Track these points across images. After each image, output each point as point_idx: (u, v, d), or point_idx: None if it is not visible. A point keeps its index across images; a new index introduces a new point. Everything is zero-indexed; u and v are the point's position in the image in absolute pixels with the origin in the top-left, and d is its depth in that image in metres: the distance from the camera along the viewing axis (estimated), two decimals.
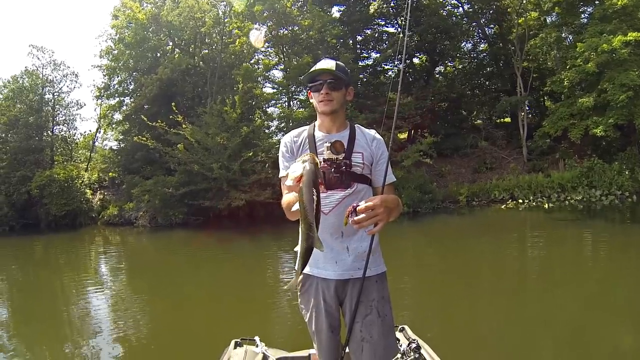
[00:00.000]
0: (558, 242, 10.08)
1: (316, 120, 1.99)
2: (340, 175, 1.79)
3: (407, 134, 20.06)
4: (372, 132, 1.97)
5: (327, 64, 1.89)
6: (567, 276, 7.15)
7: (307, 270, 1.89)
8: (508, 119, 22.19)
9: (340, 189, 1.81)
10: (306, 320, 1.98)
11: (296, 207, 1.49)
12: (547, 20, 19.19)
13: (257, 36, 18.41)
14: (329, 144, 1.79)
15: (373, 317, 1.83)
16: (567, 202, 15.05)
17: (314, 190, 1.45)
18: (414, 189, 15.53)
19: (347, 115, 2.02)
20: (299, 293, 1.99)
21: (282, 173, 1.91)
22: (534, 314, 5.27)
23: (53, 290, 8.82)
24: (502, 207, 15.28)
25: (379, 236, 1.89)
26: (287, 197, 1.71)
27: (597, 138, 15.66)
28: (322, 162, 1.77)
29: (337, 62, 1.91)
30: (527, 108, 20.12)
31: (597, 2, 16.88)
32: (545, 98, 21.60)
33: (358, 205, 1.54)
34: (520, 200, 15.50)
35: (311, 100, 1.95)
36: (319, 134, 1.92)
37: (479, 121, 22.64)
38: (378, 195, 1.66)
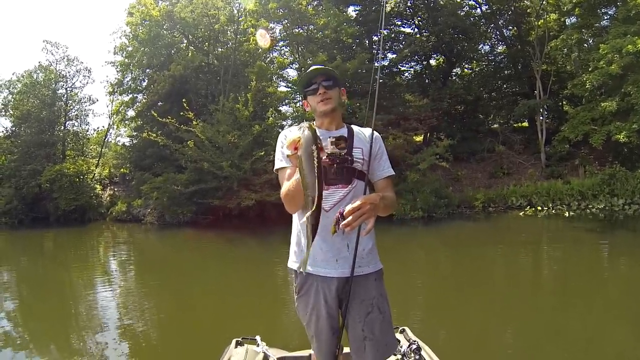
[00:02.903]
0: (577, 252, 9.67)
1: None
2: (342, 171, 1.82)
3: (422, 137, 19.66)
4: (366, 129, 1.99)
5: (318, 66, 1.98)
6: (583, 288, 6.80)
7: (305, 269, 1.83)
8: (525, 124, 21.67)
9: (341, 185, 1.83)
10: (305, 323, 1.97)
11: (297, 177, 1.44)
12: (567, 22, 18.72)
13: (264, 35, 18.22)
14: (333, 139, 1.78)
15: (374, 315, 1.84)
16: (588, 210, 14.51)
17: (315, 156, 1.40)
18: (429, 193, 15.14)
19: (344, 116, 2.03)
20: (296, 296, 1.98)
21: (277, 165, 1.93)
22: (546, 325, 5.02)
23: (61, 285, 8.93)
24: (520, 214, 14.80)
25: (375, 235, 1.91)
26: (286, 184, 1.73)
27: (619, 144, 15.03)
28: (325, 158, 1.72)
29: (326, 67, 1.98)
30: (546, 112, 19.61)
31: (619, 3, 16.33)
32: (564, 102, 21.07)
33: (344, 211, 1.56)
34: (539, 208, 15.01)
35: (307, 109, 2.00)
36: (319, 131, 1.80)
37: (495, 125, 22.08)
38: (360, 196, 1.66)
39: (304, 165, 1.42)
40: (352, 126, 2.00)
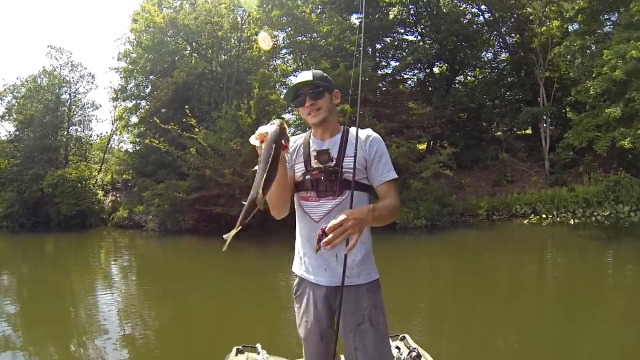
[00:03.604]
0: (582, 260, 9.58)
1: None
2: (331, 183, 1.80)
3: (426, 145, 19.58)
4: (366, 131, 1.91)
5: (304, 76, 1.90)
6: (589, 297, 6.70)
7: (300, 274, 1.96)
8: (529, 131, 21.62)
9: (330, 197, 1.81)
10: (297, 325, 1.98)
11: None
12: (570, 29, 18.75)
13: (265, 38, 18.22)
14: (315, 152, 1.85)
15: (366, 326, 1.81)
16: (593, 217, 14.37)
17: (274, 151, 1.44)
18: (432, 202, 15.01)
19: (340, 120, 2.00)
20: (294, 296, 2.01)
21: None
22: (550, 335, 4.94)
23: (61, 289, 8.93)
24: (525, 222, 14.67)
25: (372, 244, 1.89)
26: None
27: (624, 150, 14.93)
28: (313, 171, 1.83)
29: (315, 71, 1.91)
30: (549, 119, 19.54)
31: (621, 9, 16.33)
32: (568, 109, 21.02)
33: (326, 227, 1.51)
34: (544, 215, 14.88)
35: (303, 117, 1.96)
36: (312, 142, 1.93)
37: (499, 133, 22.02)
38: (345, 210, 1.57)
39: (260, 159, 1.46)
40: (352, 129, 1.89)
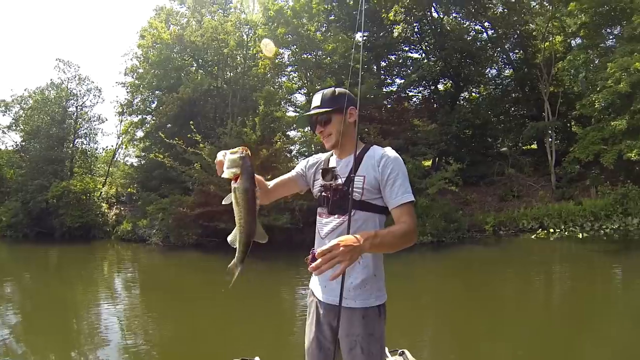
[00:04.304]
0: (591, 275, 9.47)
1: None
2: (339, 202, 1.81)
3: (431, 161, 19.53)
4: (383, 150, 1.87)
5: (315, 100, 1.93)
6: (597, 314, 6.59)
7: (311, 287, 2.03)
8: (535, 146, 21.56)
9: (338, 214, 1.83)
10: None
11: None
12: (573, 44, 18.93)
13: (268, 44, 18.37)
14: (321, 171, 1.91)
15: (356, 352, 1.79)
16: (601, 231, 14.18)
17: (249, 201, 1.54)
18: (438, 218, 14.86)
19: (362, 136, 1.85)
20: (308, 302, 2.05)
21: (295, 169, 2.10)
22: (557, 353, 4.88)
23: (63, 300, 8.93)
24: (532, 237, 14.49)
25: (378, 268, 1.85)
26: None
27: (630, 162, 14.81)
28: (326, 189, 1.87)
29: (324, 92, 1.93)
30: (555, 134, 19.50)
31: (624, 22, 16.41)
32: (573, 123, 21.00)
33: (316, 251, 1.49)
34: (551, 230, 14.67)
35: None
36: (331, 160, 1.99)
37: (504, 148, 21.99)
38: (339, 237, 1.54)
39: (238, 205, 1.53)
40: (372, 148, 1.89)
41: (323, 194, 1.89)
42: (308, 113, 1.95)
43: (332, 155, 2.00)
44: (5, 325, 6.76)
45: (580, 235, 13.99)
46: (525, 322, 6.39)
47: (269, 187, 2.05)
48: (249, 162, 1.54)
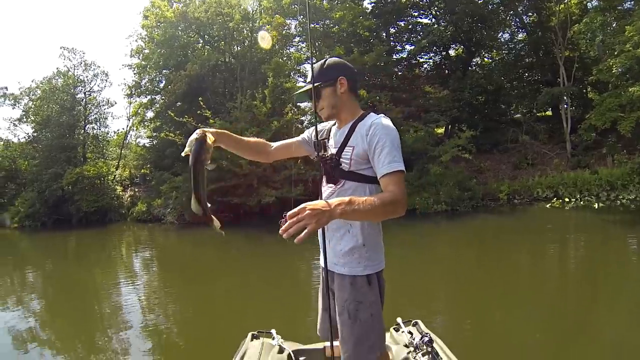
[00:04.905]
0: (607, 246, 9.18)
1: None
2: (331, 171, 1.86)
3: (444, 129, 19.24)
4: (373, 119, 1.82)
5: (306, 78, 2.00)
6: (613, 287, 6.38)
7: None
8: (549, 112, 21.06)
9: (331, 184, 1.89)
10: None
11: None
12: (589, 5, 18.19)
13: (264, 36, 18.14)
14: (313, 143, 1.99)
15: (344, 318, 1.86)
16: (618, 201, 13.86)
17: (193, 170, 1.70)
18: (452, 186, 14.75)
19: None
20: None
21: (302, 135, 2.20)
22: (571, 325, 4.79)
23: (85, 284, 9.09)
24: (547, 205, 14.25)
25: (369, 238, 1.86)
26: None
27: None
28: (325, 158, 1.93)
29: (314, 64, 1.95)
30: (570, 100, 19.00)
31: None
32: (589, 89, 20.38)
33: (286, 214, 1.48)
34: (566, 199, 14.43)
35: None
36: (333, 129, 2.03)
37: (518, 115, 21.48)
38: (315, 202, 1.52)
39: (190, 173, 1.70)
40: (367, 117, 1.86)
41: (321, 164, 1.94)
42: (299, 91, 2.00)
43: (334, 124, 2.02)
44: (30, 312, 6.90)
45: (595, 205, 13.63)
46: (540, 291, 6.30)
47: (272, 147, 2.18)
48: (199, 145, 1.68)
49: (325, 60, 1.94)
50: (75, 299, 7.67)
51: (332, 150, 1.91)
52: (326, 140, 1.97)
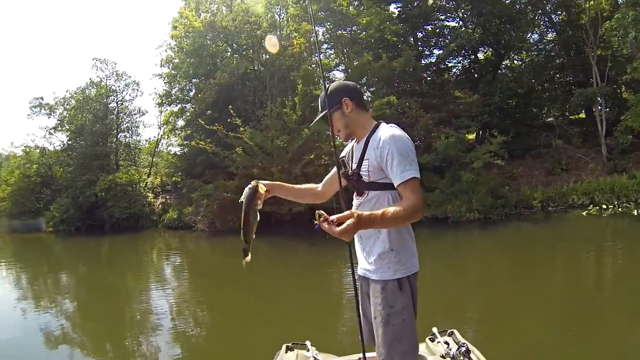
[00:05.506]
0: None
1: None
2: (356, 184, 1.99)
3: (475, 134, 18.95)
4: (382, 131, 1.93)
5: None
6: None
7: None
8: (583, 115, 20.49)
9: (358, 196, 2.01)
10: None
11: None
12: (620, 1, 17.49)
13: (270, 39, 18.22)
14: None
15: (378, 322, 1.92)
16: None
17: (244, 212, 1.89)
18: (484, 193, 14.50)
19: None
20: None
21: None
22: (609, 337, 4.61)
23: (116, 289, 9.27)
24: (583, 213, 13.83)
25: (397, 243, 1.92)
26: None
27: None
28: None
29: (321, 95, 2.10)
30: (604, 101, 18.43)
31: None
32: (624, 89, 19.69)
33: (322, 213, 1.66)
34: (604, 206, 13.95)
35: None
36: (354, 146, 2.11)
37: (551, 118, 20.95)
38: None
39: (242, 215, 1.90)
40: (378, 128, 1.97)
41: (347, 180, 2.08)
42: (313, 123, 2.16)
43: (354, 140, 2.13)
44: (63, 314, 7.10)
45: (635, 212, 13.15)
46: (576, 302, 6.14)
47: (320, 188, 2.31)
48: (251, 192, 1.90)
49: (327, 87, 2.06)
50: (106, 302, 7.84)
51: (354, 165, 2.03)
52: (344, 157, 2.13)
